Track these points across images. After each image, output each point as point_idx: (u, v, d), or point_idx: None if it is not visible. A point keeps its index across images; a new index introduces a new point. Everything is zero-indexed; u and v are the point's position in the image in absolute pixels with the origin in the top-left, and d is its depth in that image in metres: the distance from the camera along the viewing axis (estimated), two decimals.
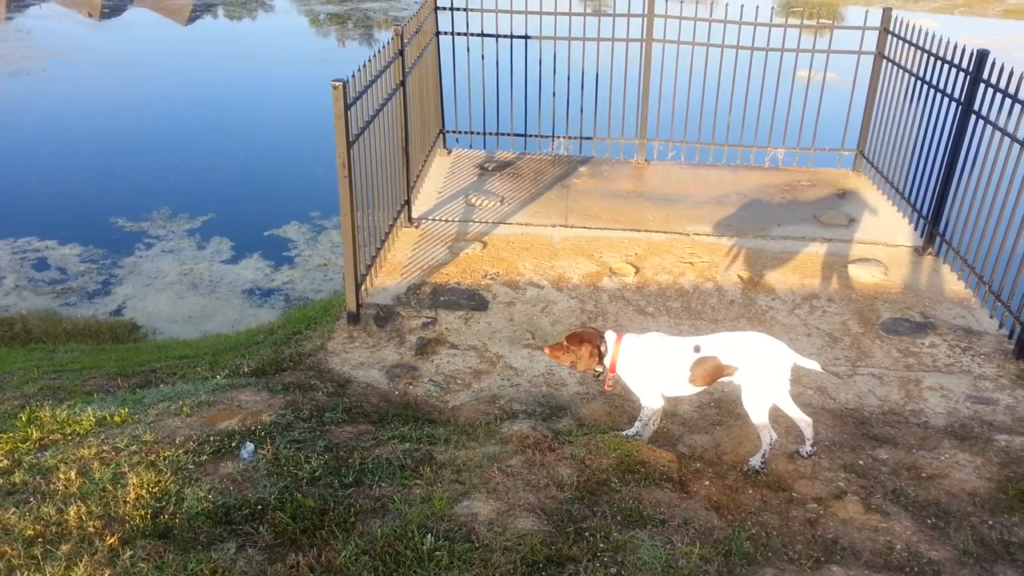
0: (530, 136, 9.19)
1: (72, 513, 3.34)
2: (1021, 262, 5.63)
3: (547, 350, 4.30)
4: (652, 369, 4.17)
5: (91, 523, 3.30)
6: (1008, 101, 5.89)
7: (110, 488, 3.53)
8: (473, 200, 8.05)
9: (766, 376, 4.06)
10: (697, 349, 4.09)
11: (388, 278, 6.64)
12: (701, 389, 4.23)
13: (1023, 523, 3.75)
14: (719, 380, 4.17)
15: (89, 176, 13.00)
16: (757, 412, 4.12)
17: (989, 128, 6.15)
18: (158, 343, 8.10)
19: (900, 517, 3.80)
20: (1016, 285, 5.71)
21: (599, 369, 4.23)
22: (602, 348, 4.19)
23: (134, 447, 3.89)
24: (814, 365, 4.14)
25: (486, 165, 8.97)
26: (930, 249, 7.14)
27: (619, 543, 3.37)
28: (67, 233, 10.94)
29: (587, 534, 3.42)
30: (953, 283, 6.68)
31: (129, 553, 3.10)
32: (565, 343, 4.23)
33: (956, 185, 6.69)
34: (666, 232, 7.51)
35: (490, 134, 9.16)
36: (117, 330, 8.60)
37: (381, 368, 5.48)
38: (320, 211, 11.55)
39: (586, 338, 4.20)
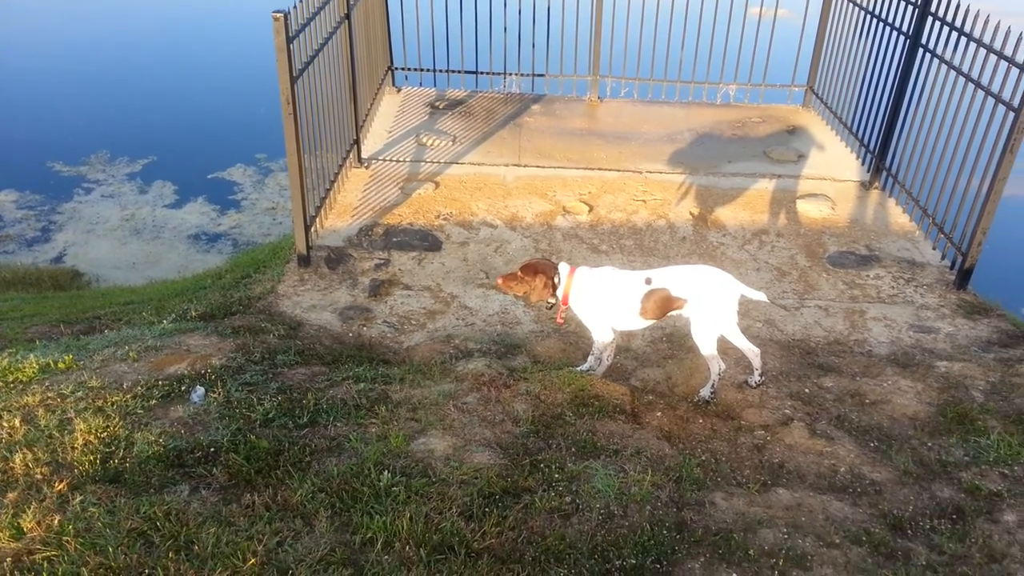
0: (481, 74, 9.02)
1: (18, 460, 3.26)
2: (964, 195, 5.76)
3: (500, 280, 4.28)
4: (604, 302, 4.19)
5: (38, 470, 3.23)
6: (955, 35, 5.94)
7: (56, 435, 3.45)
8: (424, 140, 7.91)
9: (714, 308, 4.12)
10: (648, 281, 4.12)
11: (339, 220, 6.52)
12: (652, 323, 4.28)
13: (960, 444, 3.91)
14: (670, 314, 4.21)
15: (22, 118, 12.43)
16: (705, 343, 4.18)
17: (936, 62, 6.21)
18: (102, 290, 7.88)
19: (844, 441, 3.92)
20: (958, 217, 5.85)
21: (552, 301, 4.24)
22: (555, 279, 4.19)
23: (80, 393, 3.80)
24: (761, 296, 4.20)
25: (437, 104, 8.80)
26: (876, 183, 7.26)
27: (574, 473, 3.43)
28: (1, 179, 10.49)
29: (542, 466, 3.47)
30: (898, 216, 6.82)
31: (79, 498, 3.05)
32: (519, 273, 4.22)
33: (903, 120, 6.78)
34: (619, 170, 7.49)
35: (440, 71, 8.97)
36: (59, 277, 8.33)
37: (334, 310, 5.42)
38: (266, 153, 11.24)
39: (540, 268, 4.19)
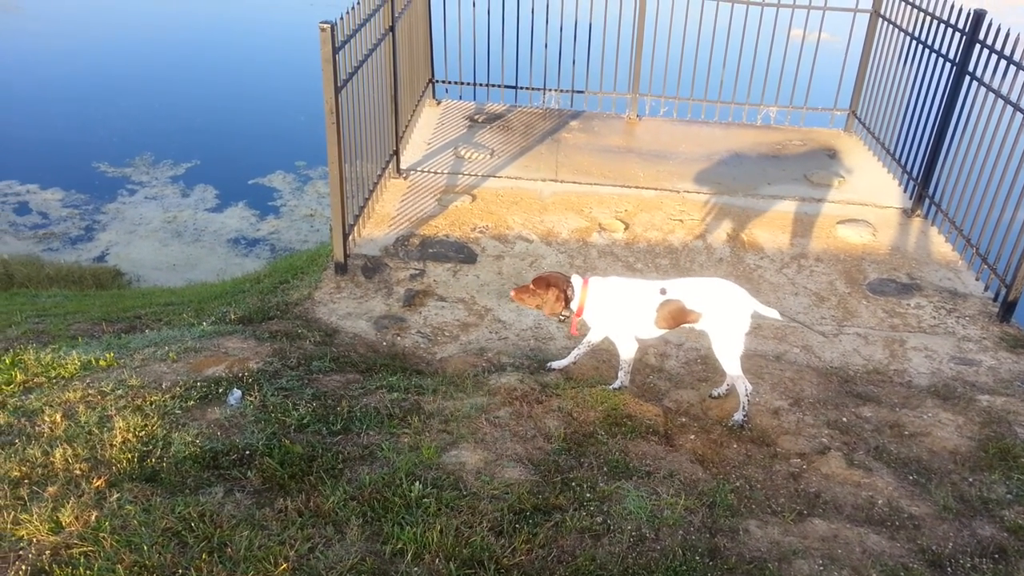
0: (521, 88, 9.06)
1: (58, 455, 3.32)
2: (1009, 225, 5.65)
3: (513, 293, 4.28)
4: (619, 311, 4.17)
5: (77, 466, 3.28)
6: (1003, 63, 5.85)
7: (96, 431, 3.50)
8: (463, 152, 7.96)
9: (729, 322, 4.08)
10: (663, 292, 4.10)
11: (376, 229, 6.57)
12: (664, 332, 4.25)
13: (1002, 481, 3.81)
14: (684, 327, 4.18)
15: (70, 119, 12.73)
16: (729, 362, 4.15)
17: (983, 90, 6.12)
18: (142, 290, 8.02)
19: (882, 473, 3.85)
20: (1003, 248, 5.74)
21: (565, 313, 4.23)
22: (568, 292, 4.18)
23: (120, 391, 3.86)
24: (774, 314, 4.15)
25: (476, 117, 8.86)
26: (919, 211, 7.15)
27: (605, 493, 3.41)
28: (48, 177, 10.75)
29: (574, 484, 3.45)
30: (940, 245, 6.71)
31: (116, 496, 3.09)
32: (531, 286, 4.22)
33: (947, 147, 6.68)
34: (656, 189, 7.47)
35: (480, 85, 9.02)
36: (100, 276, 8.51)
37: (369, 319, 5.46)
38: (306, 161, 11.40)
39: (552, 281, 4.18)
